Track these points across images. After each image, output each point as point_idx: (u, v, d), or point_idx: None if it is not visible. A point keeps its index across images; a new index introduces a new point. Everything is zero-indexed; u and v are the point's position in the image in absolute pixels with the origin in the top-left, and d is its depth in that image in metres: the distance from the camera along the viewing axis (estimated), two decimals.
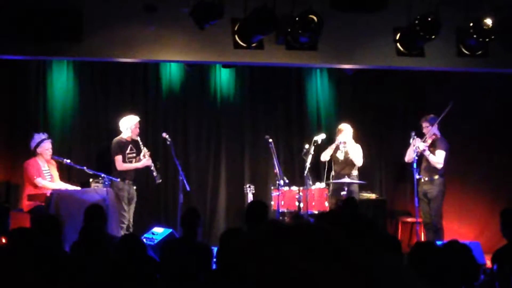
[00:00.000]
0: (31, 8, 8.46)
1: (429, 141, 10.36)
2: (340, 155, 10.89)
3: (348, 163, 10.84)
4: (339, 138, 10.83)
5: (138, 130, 10.60)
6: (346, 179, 10.52)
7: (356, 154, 10.83)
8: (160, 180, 10.71)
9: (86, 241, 5.92)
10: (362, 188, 11.19)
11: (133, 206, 10.54)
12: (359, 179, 10.82)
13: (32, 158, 10.08)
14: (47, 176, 10.09)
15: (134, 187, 10.60)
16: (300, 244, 1.46)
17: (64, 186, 10.20)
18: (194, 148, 11.64)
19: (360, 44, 9.39)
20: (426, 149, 10.27)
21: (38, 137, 10.17)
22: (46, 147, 10.14)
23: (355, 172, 10.87)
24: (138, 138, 10.59)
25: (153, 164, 10.59)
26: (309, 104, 11.98)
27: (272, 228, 1.53)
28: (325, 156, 10.99)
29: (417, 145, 10.18)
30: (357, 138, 11.07)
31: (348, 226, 4.62)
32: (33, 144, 10.12)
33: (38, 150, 10.10)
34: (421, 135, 10.41)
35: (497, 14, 8.81)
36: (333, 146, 10.90)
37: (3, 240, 6.18)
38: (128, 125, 10.53)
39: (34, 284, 3.16)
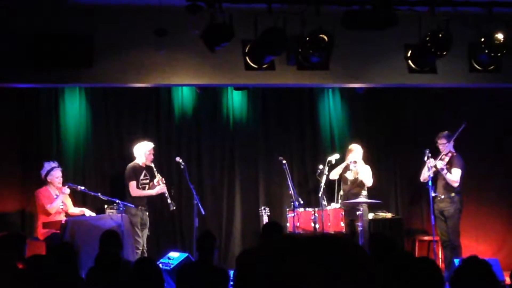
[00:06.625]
0: (41, 35, 8.50)
1: (447, 159, 10.25)
2: (350, 175, 10.82)
3: (358, 183, 10.75)
4: (350, 158, 10.77)
5: (152, 157, 10.58)
6: (362, 199, 10.45)
7: (366, 175, 10.76)
8: (175, 208, 10.64)
9: (102, 267, 5.90)
10: (378, 207, 11.13)
11: (146, 231, 10.50)
12: (368, 199, 10.71)
13: (43, 187, 10.10)
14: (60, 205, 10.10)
15: (147, 213, 10.57)
16: (312, 254, 1.45)
17: (79, 210, 10.23)
18: (208, 171, 11.61)
19: (372, 62, 9.36)
20: (444, 167, 10.16)
21: (48, 165, 10.18)
22: (56, 175, 10.14)
23: (364, 192, 10.77)
24: (152, 165, 10.57)
25: (167, 192, 10.57)
26: (322, 124, 11.94)
27: (284, 241, 1.52)
28: (334, 175, 10.89)
29: (434, 163, 10.08)
30: (371, 157, 11.01)
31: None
32: (43, 172, 10.15)
33: (48, 178, 10.12)
34: (434, 153, 10.32)
35: (508, 28, 8.76)
36: (343, 165, 10.82)
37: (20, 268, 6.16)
38: (143, 151, 10.52)
39: None
